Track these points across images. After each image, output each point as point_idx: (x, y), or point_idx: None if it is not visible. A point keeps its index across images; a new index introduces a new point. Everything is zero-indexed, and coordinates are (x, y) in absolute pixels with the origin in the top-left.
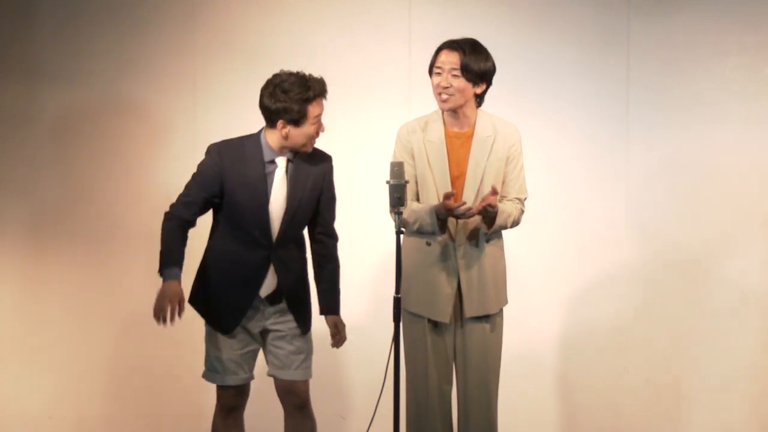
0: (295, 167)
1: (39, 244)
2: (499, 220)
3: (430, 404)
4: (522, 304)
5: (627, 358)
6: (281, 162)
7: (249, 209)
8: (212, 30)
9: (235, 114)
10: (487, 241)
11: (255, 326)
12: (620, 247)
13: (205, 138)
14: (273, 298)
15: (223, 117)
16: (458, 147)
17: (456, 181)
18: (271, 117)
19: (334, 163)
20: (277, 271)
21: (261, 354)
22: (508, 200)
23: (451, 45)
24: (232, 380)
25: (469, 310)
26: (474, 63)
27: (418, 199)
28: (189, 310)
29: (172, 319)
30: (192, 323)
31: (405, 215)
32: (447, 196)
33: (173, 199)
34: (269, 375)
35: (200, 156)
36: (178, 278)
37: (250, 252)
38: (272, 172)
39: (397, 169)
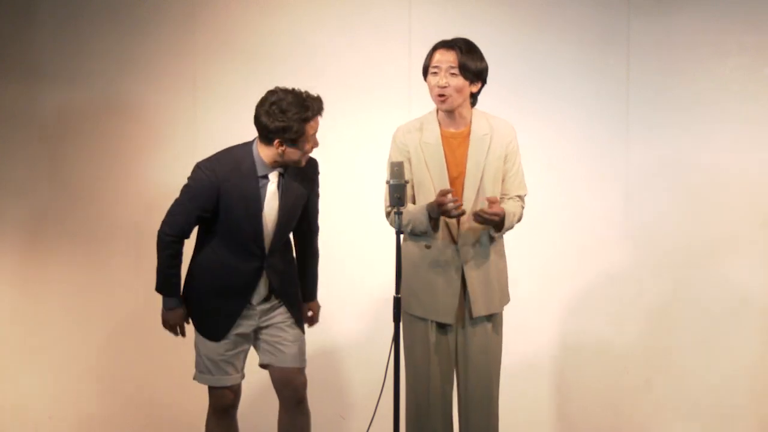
0: (286, 181)
1: (39, 244)
2: (506, 223)
3: (432, 405)
4: (522, 304)
5: (627, 358)
6: (273, 177)
7: (244, 223)
8: (212, 30)
9: (235, 114)
10: (490, 241)
11: (247, 327)
12: (620, 247)
13: (205, 138)
14: (264, 299)
15: (223, 117)
16: (455, 147)
17: (455, 181)
18: (268, 135)
19: (334, 163)
20: (270, 278)
21: (252, 354)
22: (509, 198)
23: (446, 44)
24: (224, 381)
25: (476, 310)
26: (471, 61)
27: (414, 203)
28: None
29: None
30: (192, 323)
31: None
32: (443, 194)
33: (173, 199)
34: (262, 365)
35: (200, 156)
36: (179, 305)
37: (243, 263)
38: (264, 186)
39: (397, 169)
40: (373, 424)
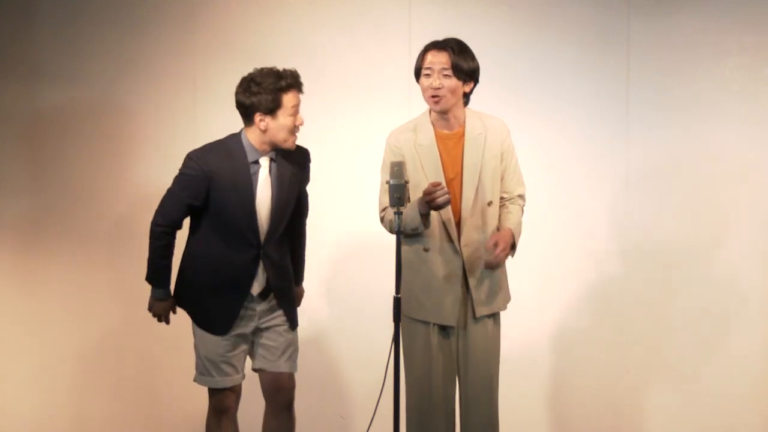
0: (278, 166)
1: (38, 244)
2: (517, 238)
3: (434, 405)
4: (522, 303)
5: (627, 358)
6: (264, 162)
7: (237, 211)
8: (212, 30)
9: (235, 114)
10: None
11: (247, 327)
12: (620, 247)
13: (205, 138)
14: (263, 294)
15: (223, 117)
16: (451, 148)
17: (451, 182)
18: (247, 112)
19: (334, 163)
20: (266, 269)
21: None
22: (509, 202)
23: (438, 45)
24: (224, 382)
25: (480, 310)
26: (463, 62)
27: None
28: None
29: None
30: (192, 323)
31: (390, 216)
32: (434, 185)
33: None
34: (255, 369)
35: None
36: (168, 296)
37: (240, 253)
38: (256, 173)
39: (397, 169)
40: (373, 424)
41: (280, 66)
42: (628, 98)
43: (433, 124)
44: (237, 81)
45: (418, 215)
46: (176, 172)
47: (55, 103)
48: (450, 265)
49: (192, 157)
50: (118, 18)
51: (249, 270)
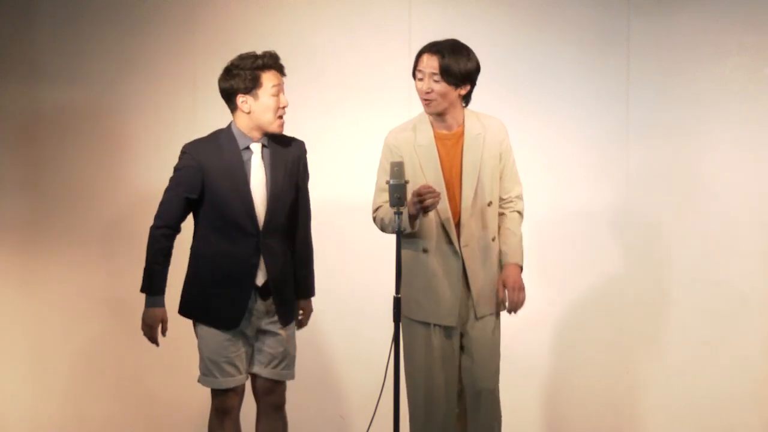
0: (271, 152)
1: (38, 244)
2: (521, 260)
3: (436, 406)
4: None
5: (627, 358)
6: (256, 148)
7: (232, 197)
8: (212, 30)
9: None
10: (492, 239)
11: (251, 328)
12: (620, 246)
13: None
14: (264, 291)
15: (223, 117)
16: (450, 148)
17: (451, 182)
18: (230, 97)
19: (334, 163)
20: (266, 261)
21: None
22: (507, 209)
23: (430, 49)
24: (228, 383)
25: (481, 310)
26: (454, 65)
27: None
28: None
29: (158, 338)
30: (192, 324)
31: (381, 215)
32: (425, 188)
33: None
34: (251, 372)
35: None
36: (161, 305)
37: (240, 244)
38: (249, 159)
39: (397, 169)
40: (373, 424)
41: (284, 65)
42: (628, 98)
43: (432, 124)
44: None
45: (408, 215)
46: None
47: (55, 103)
48: (450, 265)
49: (185, 150)
50: (118, 18)
51: (250, 260)
